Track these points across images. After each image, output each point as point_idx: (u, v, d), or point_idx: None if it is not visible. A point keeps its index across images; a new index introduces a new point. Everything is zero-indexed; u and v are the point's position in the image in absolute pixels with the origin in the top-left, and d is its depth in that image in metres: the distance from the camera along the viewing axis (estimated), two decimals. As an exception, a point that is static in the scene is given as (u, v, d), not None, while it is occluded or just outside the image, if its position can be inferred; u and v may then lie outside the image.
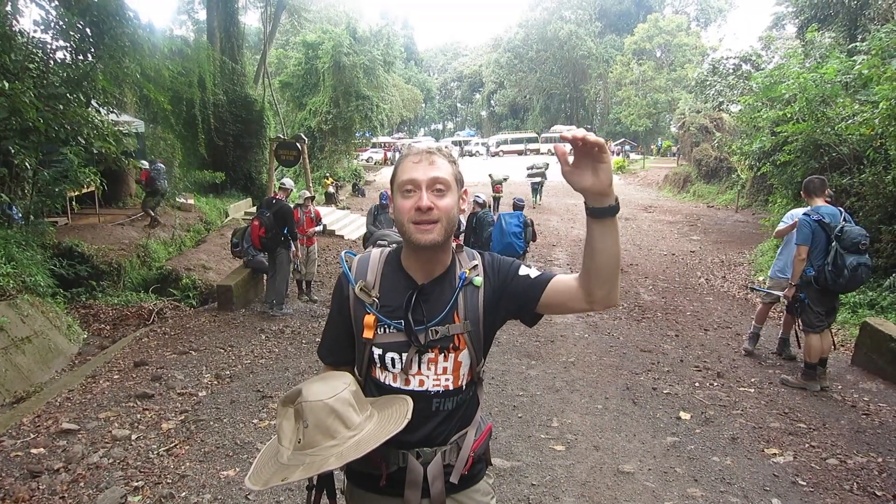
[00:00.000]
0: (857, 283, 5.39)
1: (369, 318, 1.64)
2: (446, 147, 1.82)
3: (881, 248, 8.89)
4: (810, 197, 5.77)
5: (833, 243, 5.29)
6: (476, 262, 1.73)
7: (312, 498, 1.70)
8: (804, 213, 5.66)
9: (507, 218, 9.27)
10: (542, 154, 46.92)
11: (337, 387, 1.51)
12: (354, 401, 1.52)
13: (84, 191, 12.01)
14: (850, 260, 5.19)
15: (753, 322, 7.01)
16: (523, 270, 1.71)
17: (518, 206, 9.97)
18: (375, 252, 1.77)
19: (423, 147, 1.64)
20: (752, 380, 6.07)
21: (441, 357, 1.65)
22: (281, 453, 1.48)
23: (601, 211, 1.47)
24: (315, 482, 1.70)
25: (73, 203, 12.79)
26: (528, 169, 25.20)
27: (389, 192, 1.69)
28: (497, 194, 20.53)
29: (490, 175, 21.08)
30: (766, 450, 4.49)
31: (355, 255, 1.79)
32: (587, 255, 1.54)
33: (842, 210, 5.55)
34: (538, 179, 23.73)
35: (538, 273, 1.69)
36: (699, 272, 11.95)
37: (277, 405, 1.55)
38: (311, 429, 1.45)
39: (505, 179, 21.44)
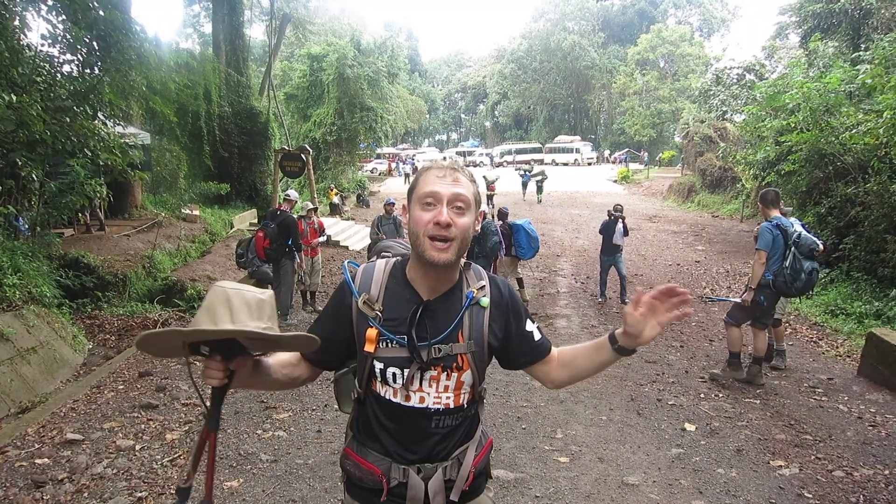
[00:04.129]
0: (810, 286, 5.77)
1: (371, 332, 1.61)
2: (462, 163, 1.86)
3: (887, 258, 8.87)
4: (768, 208, 6.06)
5: (791, 249, 5.67)
6: (484, 283, 1.71)
7: (202, 431, 1.68)
8: (766, 222, 5.97)
9: (527, 226, 9.52)
10: (545, 164, 47.00)
11: (248, 288, 1.50)
12: (256, 307, 1.48)
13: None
14: (807, 265, 5.61)
15: (775, 341, 6.97)
16: (529, 326, 1.77)
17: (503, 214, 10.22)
18: (380, 263, 1.74)
19: (447, 163, 1.64)
20: (758, 391, 6.03)
21: (444, 375, 1.63)
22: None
23: (618, 347, 1.64)
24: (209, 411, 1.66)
25: (83, 215, 12.83)
26: (519, 170, 32.02)
27: (406, 203, 1.68)
28: (491, 192, 24.42)
29: (484, 177, 24.68)
30: (771, 462, 4.47)
31: (358, 266, 1.77)
32: (579, 359, 1.76)
33: (793, 222, 5.94)
34: (540, 178, 27.38)
35: (539, 337, 1.78)
36: (704, 282, 11.92)
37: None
38: (202, 308, 1.44)
39: (497, 179, 25.83)
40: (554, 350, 1.82)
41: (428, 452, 1.66)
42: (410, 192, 1.65)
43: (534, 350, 1.77)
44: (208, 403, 1.63)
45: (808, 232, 5.87)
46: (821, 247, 5.74)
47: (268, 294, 1.54)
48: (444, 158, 1.79)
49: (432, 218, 1.54)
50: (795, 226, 5.85)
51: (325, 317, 1.76)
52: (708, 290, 11.24)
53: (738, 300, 6.34)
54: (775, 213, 5.98)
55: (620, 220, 9.91)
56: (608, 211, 10.20)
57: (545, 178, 28.12)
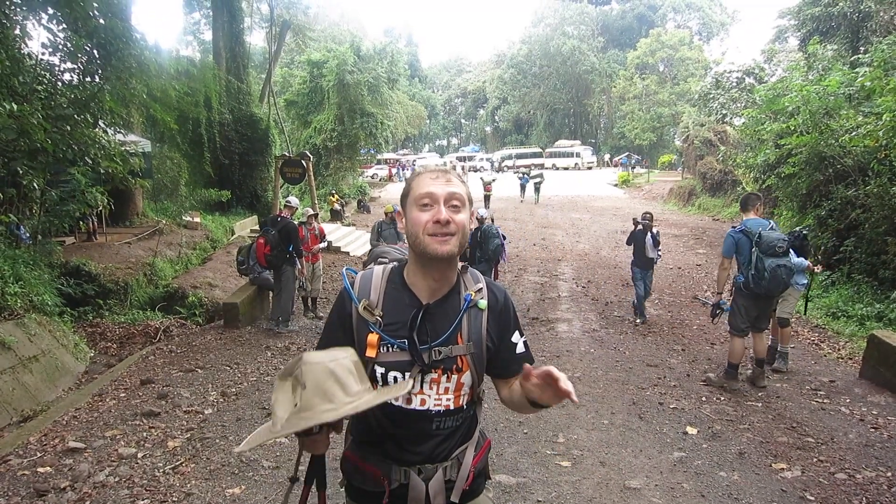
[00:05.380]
0: (779, 283, 5.69)
1: (372, 337, 1.63)
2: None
3: (888, 260, 8.87)
4: (744, 211, 6.13)
5: (754, 249, 5.69)
6: (481, 285, 1.74)
7: (302, 491, 1.71)
8: (731, 229, 6.06)
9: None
10: (545, 168, 47.05)
11: (338, 354, 1.51)
12: (355, 370, 1.50)
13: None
14: (769, 262, 5.58)
15: (779, 343, 6.96)
16: (516, 337, 1.79)
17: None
18: (378, 269, 1.77)
19: (438, 166, 1.69)
20: (759, 394, 6.03)
21: (444, 377, 1.66)
22: (275, 423, 1.46)
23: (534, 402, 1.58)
24: (304, 476, 1.70)
25: (86, 222, 12.86)
26: (518, 172, 35.52)
27: (399, 208, 1.71)
28: (487, 192, 25.76)
29: (481, 178, 26.35)
30: (773, 464, 4.46)
31: (356, 272, 1.79)
32: (515, 391, 1.71)
33: (770, 221, 5.94)
34: (538, 180, 29.31)
35: (522, 351, 1.79)
36: (705, 286, 11.92)
37: (275, 381, 1.53)
38: (309, 390, 1.43)
39: (494, 180, 27.47)
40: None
41: (428, 454, 1.68)
42: (404, 196, 1.68)
43: (511, 362, 1.78)
44: (302, 468, 1.72)
45: (789, 236, 5.92)
46: (786, 246, 5.67)
47: (352, 352, 1.56)
48: (446, 164, 1.81)
49: (431, 217, 1.58)
50: (765, 227, 5.78)
51: (332, 330, 1.77)
52: (709, 293, 11.22)
53: (711, 303, 6.54)
54: (749, 216, 6.00)
55: (649, 230, 8.91)
56: (634, 219, 9.34)
57: (542, 180, 29.77)
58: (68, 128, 8.17)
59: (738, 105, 22.28)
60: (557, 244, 17.38)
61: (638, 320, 9.14)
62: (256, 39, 38.52)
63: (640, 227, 9.02)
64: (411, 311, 1.64)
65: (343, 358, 1.50)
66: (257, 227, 17.25)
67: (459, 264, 1.76)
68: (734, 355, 6.15)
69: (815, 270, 7.02)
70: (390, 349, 1.64)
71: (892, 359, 6.08)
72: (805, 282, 6.84)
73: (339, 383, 1.45)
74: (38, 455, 4.61)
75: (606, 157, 59.12)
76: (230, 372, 6.78)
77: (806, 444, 4.83)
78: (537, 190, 29.16)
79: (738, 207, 21.65)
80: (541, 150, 58.76)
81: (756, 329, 6.10)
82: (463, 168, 47.44)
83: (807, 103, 10.77)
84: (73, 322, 8.66)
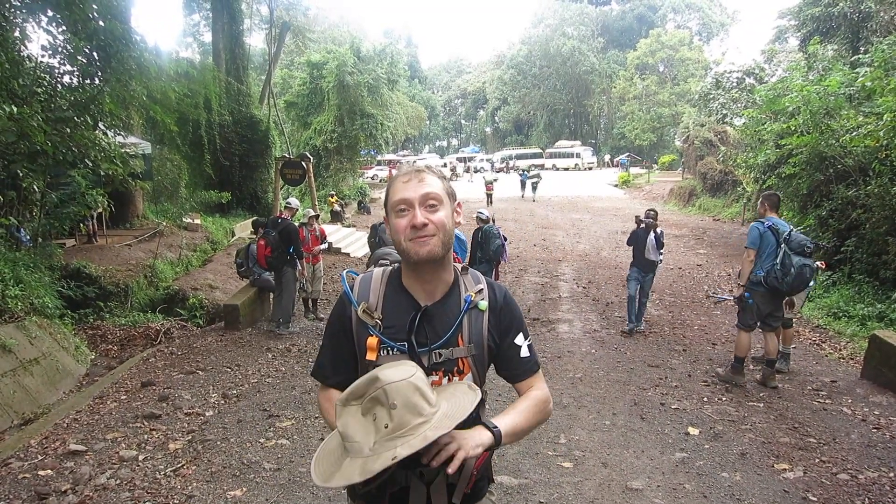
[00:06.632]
0: (802, 281, 5.77)
1: (372, 341, 1.63)
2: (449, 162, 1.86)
3: (888, 261, 8.85)
4: (773, 210, 6.16)
5: (782, 246, 5.75)
6: (481, 286, 1.73)
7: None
8: (758, 221, 6.11)
9: (461, 235, 8.80)
10: (545, 168, 47.10)
11: (411, 369, 1.49)
12: (427, 383, 1.50)
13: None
14: (796, 260, 5.64)
15: (781, 343, 6.90)
16: (519, 340, 1.77)
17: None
18: (377, 272, 1.76)
19: (411, 167, 1.66)
20: (761, 394, 6.02)
21: (445, 380, 1.65)
22: (359, 448, 1.41)
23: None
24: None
25: (86, 225, 12.88)
26: (517, 170, 39.10)
27: (384, 215, 1.69)
28: (489, 192, 27.21)
29: (483, 177, 28.46)
30: (775, 465, 4.45)
31: (357, 274, 1.79)
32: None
33: (790, 225, 6.07)
34: (536, 180, 31.12)
35: (527, 355, 1.78)
36: (706, 286, 11.90)
37: (336, 407, 1.47)
38: (401, 409, 1.41)
39: (495, 180, 29.50)
40: (537, 377, 1.82)
41: None
42: (385, 202, 1.67)
43: (517, 366, 1.78)
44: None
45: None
46: (813, 248, 5.77)
47: (415, 365, 1.53)
48: (445, 164, 1.79)
49: (408, 222, 1.57)
50: (788, 227, 5.91)
51: (333, 334, 1.76)
52: (710, 292, 11.22)
53: (732, 297, 6.52)
54: (773, 215, 6.07)
55: (652, 229, 8.21)
56: (636, 217, 8.62)
57: (539, 179, 31.66)
58: (68, 130, 8.18)
59: (739, 105, 22.24)
60: (558, 245, 17.38)
61: (627, 326, 8.46)
62: (256, 41, 38.56)
63: (642, 225, 8.35)
64: (410, 313, 1.63)
65: (417, 371, 1.48)
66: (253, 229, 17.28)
67: (459, 266, 1.75)
68: (740, 349, 6.23)
69: (821, 267, 7.04)
70: (390, 352, 1.63)
71: (894, 359, 6.07)
72: (812, 283, 6.89)
73: (423, 397, 1.44)
74: (39, 458, 4.60)
75: (606, 157, 59.19)
76: (231, 374, 6.78)
77: (808, 445, 4.83)
78: (535, 188, 30.87)
79: (738, 207, 21.78)
80: (541, 150, 58.77)
81: (768, 327, 6.13)
82: (467, 169, 47.54)
83: (807, 103, 10.76)
84: (74, 324, 8.66)
